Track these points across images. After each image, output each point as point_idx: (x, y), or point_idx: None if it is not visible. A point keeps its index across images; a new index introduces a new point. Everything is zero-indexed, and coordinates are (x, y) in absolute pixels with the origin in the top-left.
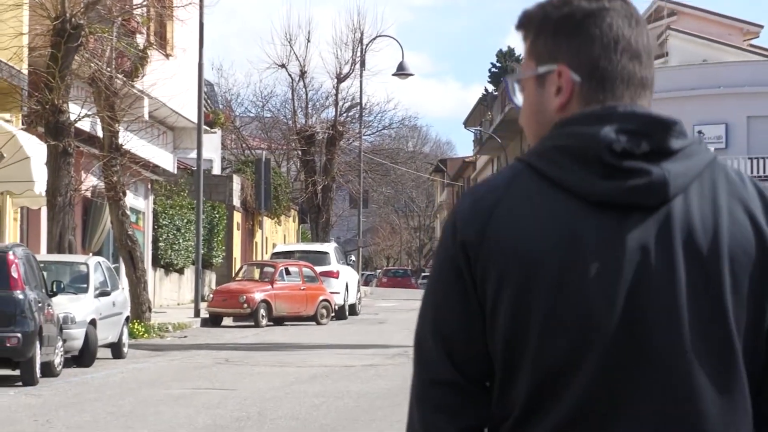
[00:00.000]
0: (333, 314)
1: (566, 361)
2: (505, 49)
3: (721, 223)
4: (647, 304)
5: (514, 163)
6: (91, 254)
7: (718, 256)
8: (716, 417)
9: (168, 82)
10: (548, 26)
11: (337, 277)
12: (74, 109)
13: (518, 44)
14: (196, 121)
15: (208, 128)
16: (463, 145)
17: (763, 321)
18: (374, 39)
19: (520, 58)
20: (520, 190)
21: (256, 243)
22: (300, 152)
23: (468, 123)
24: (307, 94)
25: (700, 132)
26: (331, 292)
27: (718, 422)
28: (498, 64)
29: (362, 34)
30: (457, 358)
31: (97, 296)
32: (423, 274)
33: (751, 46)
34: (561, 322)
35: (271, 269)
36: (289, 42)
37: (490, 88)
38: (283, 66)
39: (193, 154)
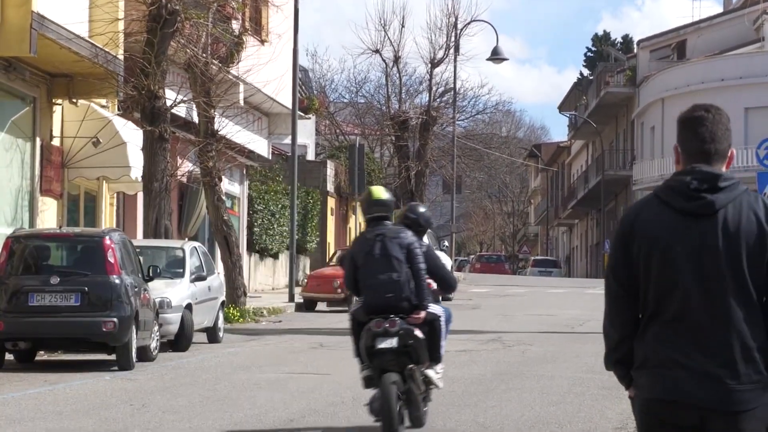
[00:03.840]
0: None
1: (669, 286)
2: (600, 33)
3: (741, 221)
4: (706, 260)
5: (650, 193)
6: (186, 239)
7: (738, 236)
8: (740, 319)
9: (263, 68)
10: (678, 123)
11: None
12: (170, 95)
13: (614, 28)
14: (290, 107)
15: (302, 114)
16: (557, 129)
17: (762, 267)
18: (468, 24)
19: (616, 42)
20: (649, 206)
21: (349, 228)
22: (393, 138)
23: (563, 107)
24: (401, 80)
25: None
26: None
27: (741, 322)
28: (594, 49)
29: (456, 18)
30: (620, 282)
31: (192, 281)
32: (534, 257)
33: None
34: (667, 266)
35: None
36: (384, 27)
37: (585, 72)
38: (377, 51)
39: (288, 140)
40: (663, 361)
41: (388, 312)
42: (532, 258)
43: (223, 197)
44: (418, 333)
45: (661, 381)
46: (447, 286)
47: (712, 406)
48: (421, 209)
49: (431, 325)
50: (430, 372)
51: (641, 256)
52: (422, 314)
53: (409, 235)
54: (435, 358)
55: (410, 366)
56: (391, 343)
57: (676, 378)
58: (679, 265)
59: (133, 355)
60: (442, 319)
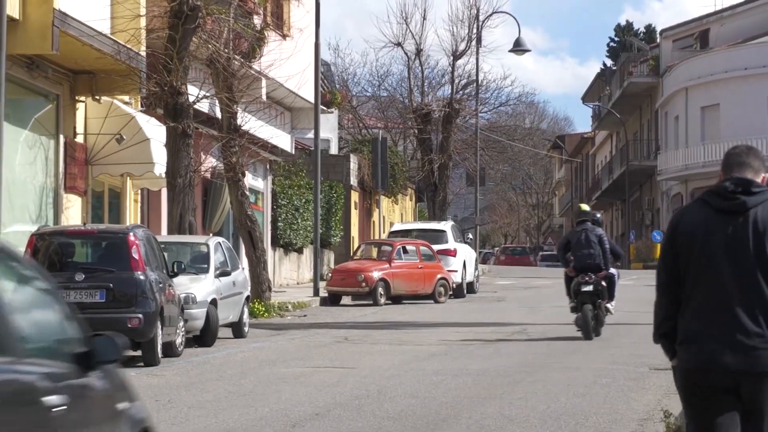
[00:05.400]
0: (451, 292)
1: (705, 270)
2: (623, 23)
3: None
4: (737, 250)
5: (696, 198)
6: (211, 234)
7: (765, 231)
8: (764, 298)
9: (285, 63)
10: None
11: (454, 256)
12: (192, 91)
13: (635, 20)
14: (313, 101)
15: (325, 108)
16: (581, 120)
17: None
18: (490, 15)
19: (639, 32)
20: (692, 207)
21: (373, 222)
22: (416, 131)
23: (586, 98)
24: (423, 72)
25: None
26: (449, 270)
27: (765, 300)
28: (617, 39)
29: (478, 10)
30: (668, 271)
31: (217, 276)
32: (542, 252)
33: None
34: (704, 254)
35: (388, 248)
36: (405, 20)
37: (609, 62)
38: (399, 44)
39: (311, 135)
40: (698, 335)
41: (588, 271)
42: (540, 253)
43: (247, 192)
44: (603, 283)
45: (696, 353)
46: (619, 257)
47: (743, 369)
48: (598, 215)
49: (609, 279)
50: (608, 305)
51: (683, 248)
52: (604, 273)
53: (599, 229)
54: (611, 297)
55: (599, 301)
56: (590, 287)
57: (710, 350)
58: (715, 253)
59: (159, 350)
60: (615, 276)
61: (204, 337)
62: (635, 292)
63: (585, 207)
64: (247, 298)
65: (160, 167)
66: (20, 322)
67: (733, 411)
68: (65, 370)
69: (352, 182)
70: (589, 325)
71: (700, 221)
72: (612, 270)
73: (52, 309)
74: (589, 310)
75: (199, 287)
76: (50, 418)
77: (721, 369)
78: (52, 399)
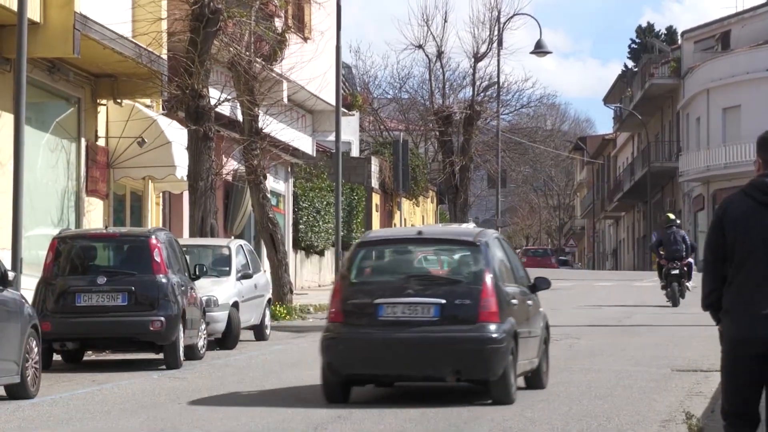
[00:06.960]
0: None
1: (748, 255)
2: (644, 25)
3: None
4: None
5: (739, 190)
6: (232, 237)
7: None
8: None
9: (306, 66)
10: (757, 142)
11: None
12: (214, 94)
13: (655, 22)
14: (334, 104)
15: (346, 111)
16: (602, 122)
17: None
18: (511, 17)
19: (660, 33)
20: (736, 199)
21: (394, 224)
22: (437, 133)
23: (607, 100)
24: (444, 75)
25: None
26: None
27: None
28: (638, 40)
29: (499, 12)
30: (714, 252)
31: (239, 279)
32: (561, 257)
33: None
34: (746, 240)
35: None
36: (426, 22)
37: (630, 64)
38: (420, 47)
39: (332, 137)
40: (739, 309)
41: (675, 260)
42: (559, 257)
43: (269, 195)
44: (685, 268)
45: (737, 323)
46: (695, 250)
47: None
48: (678, 220)
49: (689, 266)
50: (687, 284)
51: (729, 234)
52: (686, 261)
53: (682, 231)
54: (689, 278)
55: (682, 279)
56: (676, 271)
57: (748, 321)
58: (756, 240)
59: (181, 353)
60: (693, 263)
61: (226, 340)
62: (658, 295)
63: (671, 215)
64: (269, 300)
65: (182, 170)
66: (516, 269)
67: (763, 379)
68: (526, 290)
69: (373, 184)
70: (677, 296)
71: (744, 212)
72: (690, 259)
73: (518, 261)
74: (676, 287)
75: (221, 290)
76: (528, 309)
77: (756, 338)
78: (528, 301)
